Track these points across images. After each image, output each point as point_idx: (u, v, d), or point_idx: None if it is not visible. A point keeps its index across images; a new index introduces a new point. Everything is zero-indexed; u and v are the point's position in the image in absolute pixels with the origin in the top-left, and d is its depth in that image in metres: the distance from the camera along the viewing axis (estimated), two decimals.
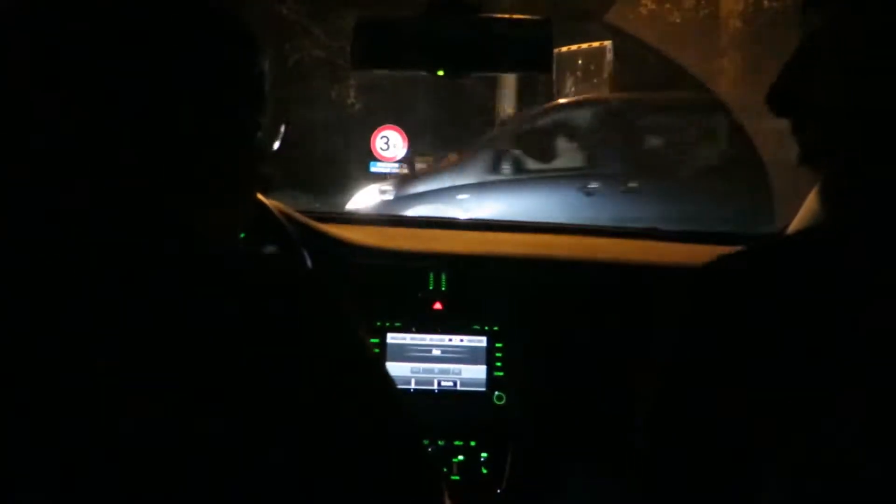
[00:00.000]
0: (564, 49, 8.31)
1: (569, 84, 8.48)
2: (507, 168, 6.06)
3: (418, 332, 1.54)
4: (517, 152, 6.13)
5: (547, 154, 6.10)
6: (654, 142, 6.11)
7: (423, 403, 1.51)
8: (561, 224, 2.19)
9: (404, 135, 8.33)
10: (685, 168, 5.75)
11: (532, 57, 1.19)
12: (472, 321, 1.55)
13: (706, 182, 5.53)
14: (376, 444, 0.66)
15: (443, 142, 8.89)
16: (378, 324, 1.54)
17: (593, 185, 5.58)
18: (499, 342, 1.54)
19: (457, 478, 1.48)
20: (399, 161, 8.34)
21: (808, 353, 0.62)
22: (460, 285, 1.58)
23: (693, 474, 0.68)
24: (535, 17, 1.18)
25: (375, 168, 8.29)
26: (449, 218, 2.68)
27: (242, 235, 1.40)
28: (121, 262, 0.63)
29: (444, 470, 1.48)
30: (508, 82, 7.25)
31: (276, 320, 0.65)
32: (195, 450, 0.60)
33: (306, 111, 9.01)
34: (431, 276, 1.58)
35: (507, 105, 9.78)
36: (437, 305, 1.57)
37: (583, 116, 6.17)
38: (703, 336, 0.67)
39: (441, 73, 1.21)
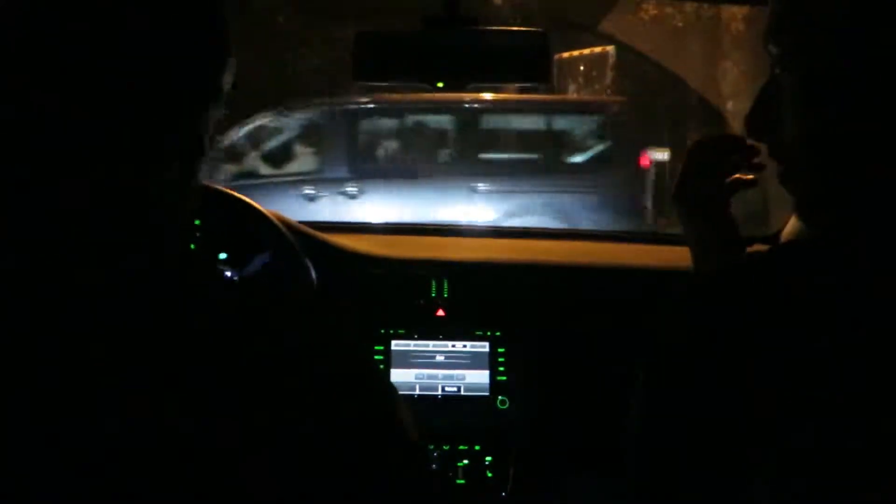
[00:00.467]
0: (566, 55, 8.28)
1: (571, 89, 8.46)
2: (223, 176, 5.69)
3: (422, 338, 1.56)
4: (253, 156, 5.88)
5: (279, 158, 5.88)
6: (390, 145, 5.98)
7: (428, 409, 1.52)
8: (560, 230, 2.21)
9: None
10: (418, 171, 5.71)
11: (530, 67, 1.21)
12: (474, 327, 1.56)
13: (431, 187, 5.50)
14: (377, 448, 0.66)
15: None
16: (382, 331, 1.55)
17: (310, 191, 5.46)
18: (501, 347, 1.55)
19: (462, 482, 1.49)
20: None
21: (808, 353, 0.63)
22: (462, 292, 1.59)
23: (692, 474, 0.68)
24: (531, 29, 1.19)
25: None
26: (450, 224, 2.68)
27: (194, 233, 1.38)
28: (121, 261, 0.63)
29: (450, 474, 1.49)
30: (510, 90, 7.24)
31: (276, 321, 0.66)
32: (195, 450, 0.60)
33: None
34: (434, 283, 1.59)
35: None
36: (440, 312, 1.58)
37: (316, 120, 5.92)
38: (704, 338, 0.68)
39: (440, 84, 1.23)
